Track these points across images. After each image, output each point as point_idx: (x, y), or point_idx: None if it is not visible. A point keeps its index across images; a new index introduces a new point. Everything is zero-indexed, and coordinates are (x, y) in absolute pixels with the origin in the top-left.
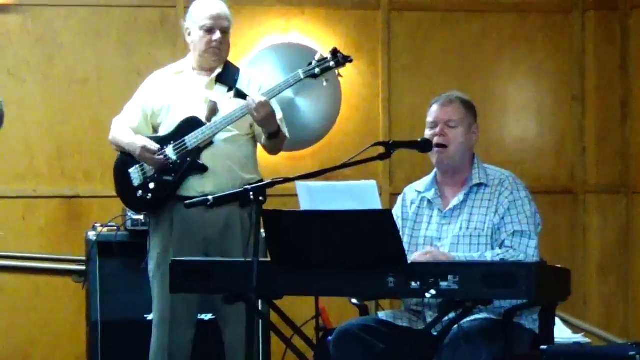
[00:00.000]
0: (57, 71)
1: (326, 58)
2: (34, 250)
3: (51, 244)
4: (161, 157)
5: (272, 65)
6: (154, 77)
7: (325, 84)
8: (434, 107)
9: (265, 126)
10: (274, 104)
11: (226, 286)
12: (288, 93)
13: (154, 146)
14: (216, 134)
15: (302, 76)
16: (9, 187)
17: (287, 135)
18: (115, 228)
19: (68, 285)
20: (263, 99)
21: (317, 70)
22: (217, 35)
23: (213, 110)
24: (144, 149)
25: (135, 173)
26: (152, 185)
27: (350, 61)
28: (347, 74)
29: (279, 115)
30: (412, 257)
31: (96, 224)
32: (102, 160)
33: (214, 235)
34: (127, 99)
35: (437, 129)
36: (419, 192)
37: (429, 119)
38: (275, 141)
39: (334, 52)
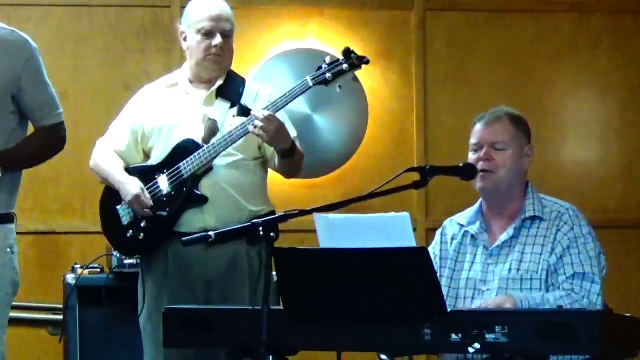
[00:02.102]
0: None
1: (338, 60)
2: None
3: (21, 289)
4: (149, 213)
5: (284, 76)
6: (145, 93)
7: (338, 90)
8: (478, 126)
9: (277, 144)
10: (285, 121)
11: (230, 339)
12: (304, 108)
13: (149, 201)
14: (215, 157)
15: (310, 83)
16: None
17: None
18: (99, 270)
19: (42, 339)
20: (267, 113)
21: (328, 75)
22: (218, 39)
23: (212, 131)
24: (137, 200)
25: (124, 210)
26: (144, 223)
27: (367, 62)
28: (375, 86)
29: (293, 133)
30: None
31: (76, 265)
32: (83, 189)
33: (217, 278)
34: (112, 117)
35: (482, 152)
36: (462, 226)
37: (473, 140)
38: (291, 161)
39: (347, 52)
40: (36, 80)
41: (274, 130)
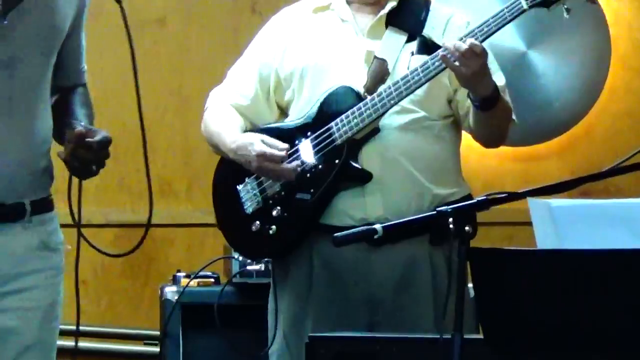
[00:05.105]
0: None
1: None
2: (72, 320)
3: (101, 308)
4: (295, 165)
5: None
6: (280, 21)
7: (566, 15)
8: None
9: (473, 88)
10: (490, 61)
11: None
12: (515, 43)
13: (279, 151)
14: (382, 114)
15: (525, 5)
16: None
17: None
18: (212, 280)
19: None
20: (471, 43)
21: None
22: None
23: (380, 75)
24: (263, 157)
25: (248, 192)
26: (276, 211)
27: None
28: (621, 11)
29: (500, 81)
30: None
31: (179, 273)
32: (189, 163)
33: (386, 292)
34: (232, 58)
35: None
36: None
37: None
38: (492, 116)
39: None
40: (82, 20)
41: (477, 67)
